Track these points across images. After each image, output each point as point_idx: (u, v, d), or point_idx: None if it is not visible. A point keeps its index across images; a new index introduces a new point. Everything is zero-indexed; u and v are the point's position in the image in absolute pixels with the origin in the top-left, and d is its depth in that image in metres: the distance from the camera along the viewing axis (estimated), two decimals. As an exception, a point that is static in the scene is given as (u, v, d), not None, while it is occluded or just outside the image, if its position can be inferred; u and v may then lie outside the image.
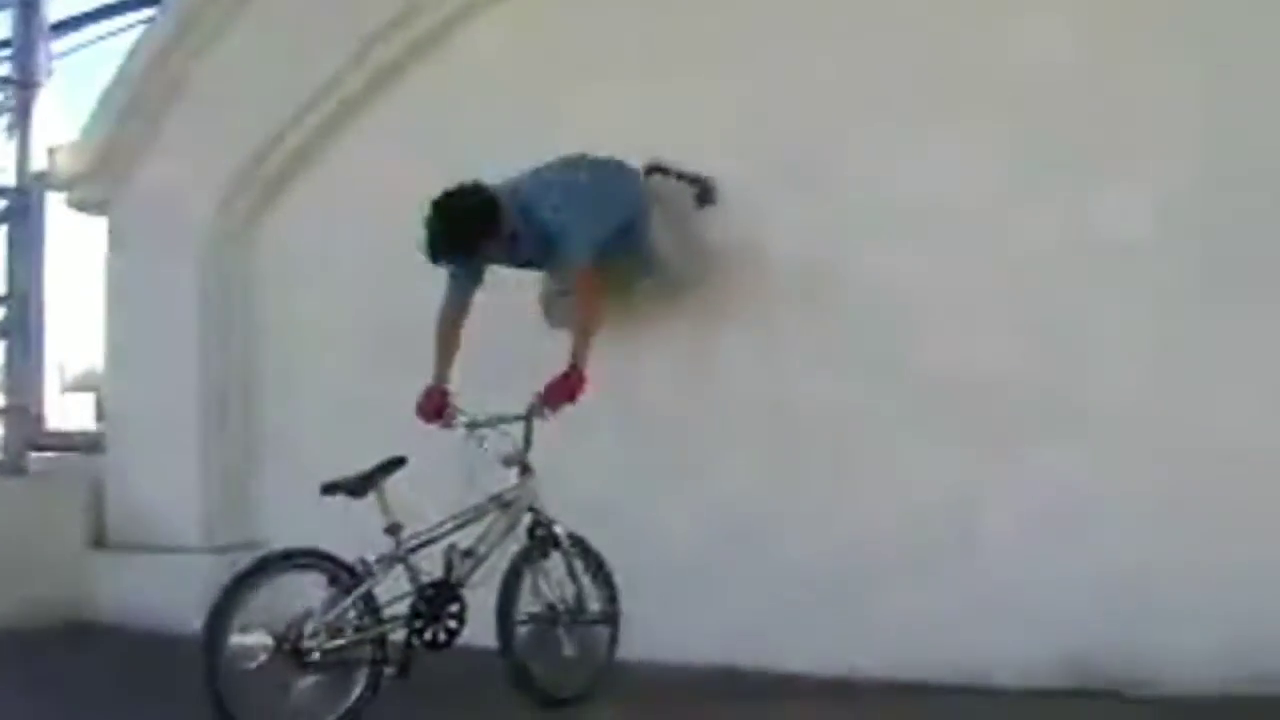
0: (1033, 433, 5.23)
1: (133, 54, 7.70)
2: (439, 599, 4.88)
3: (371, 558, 4.73)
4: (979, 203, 5.35)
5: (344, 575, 4.64)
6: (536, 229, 5.21)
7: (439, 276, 5.34)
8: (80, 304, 9.03)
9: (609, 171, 5.60)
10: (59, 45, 9.31)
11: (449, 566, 4.92)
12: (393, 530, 4.84)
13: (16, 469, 8.09)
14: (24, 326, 8.33)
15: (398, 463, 4.89)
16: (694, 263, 5.83)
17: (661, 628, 5.58)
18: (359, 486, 4.81)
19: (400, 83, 6.92)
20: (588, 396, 5.13)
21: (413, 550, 4.88)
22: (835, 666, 5.38)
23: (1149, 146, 5.11)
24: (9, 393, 8.41)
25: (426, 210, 5.08)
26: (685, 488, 5.91)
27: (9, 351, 8.38)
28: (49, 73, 8.66)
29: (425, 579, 4.88)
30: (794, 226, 5.75)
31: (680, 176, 5.88)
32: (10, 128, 8.55)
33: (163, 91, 7.51)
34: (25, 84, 8.51)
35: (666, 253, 5.70)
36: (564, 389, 5.05)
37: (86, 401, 14.67)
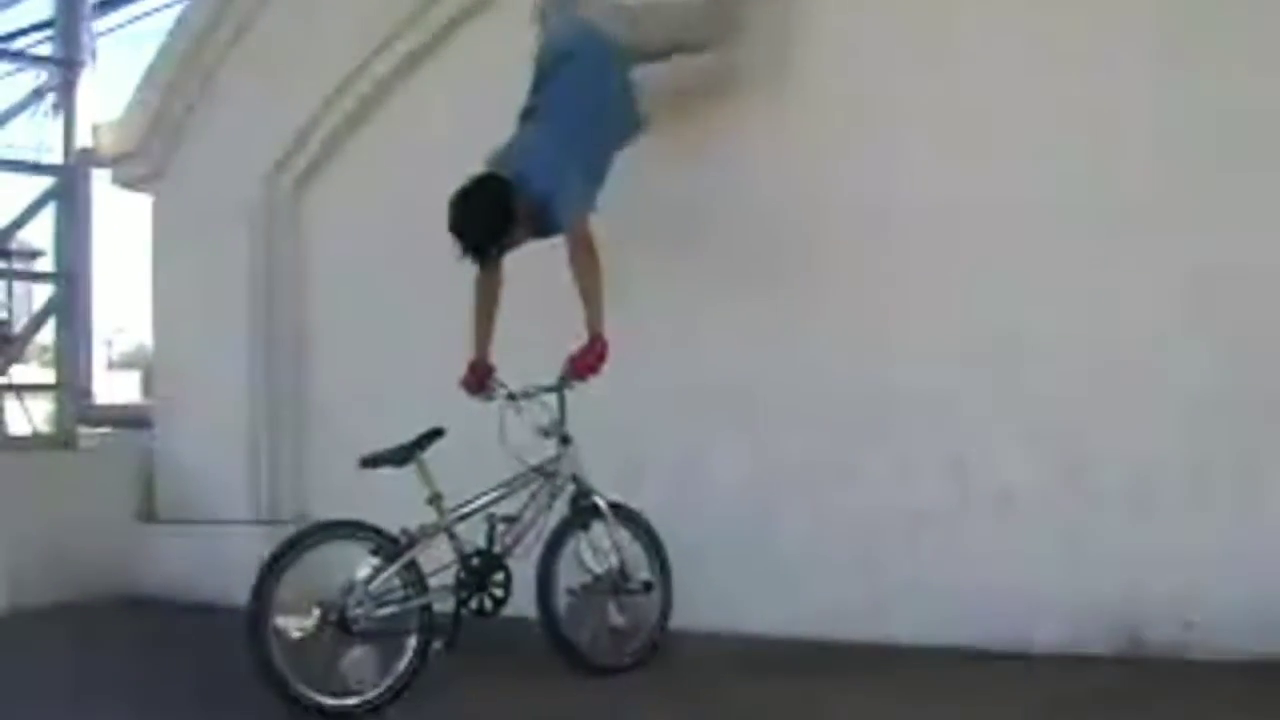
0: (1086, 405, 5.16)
1: (176, 28, 7.75)
2: (484, 568, 4.91)
3: (414, 527, 4.75)
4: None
5: (388, 545, 4.67)
6: (536, 200, 5.12)
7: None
8: (127, 281, 9.11)
9: (584, 82, 5.34)
10: (100, 24, 9.40)
11: (491, 535, 4.94)
12: (434, 500, 4.86)
13: (67, 444, 8.18)
14: (72, 304, 8.42)
15: (437, 433, 4.90)
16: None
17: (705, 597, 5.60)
18: (401, 457, 4.83)
19: (449, 44, 6.85)
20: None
21: (456, 521, 4.90)
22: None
23: None
24: (58, 368, 8.51)
25: (448, 211, 5.04)
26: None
27: (57, 328, 8.47)
28: (92, 52, 8.72)
29: (469, 549, 4.91)
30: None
31: None
32: (55, 107, 8.61)
33: (206, 66, 7.56)
34: (68, 63, 8.57)
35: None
36: (590, 359, 5.04)
37: (133, 378, 14.85)
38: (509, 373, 5.24)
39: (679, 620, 5.41)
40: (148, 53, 7.86)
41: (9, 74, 9.50)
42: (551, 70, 5.39)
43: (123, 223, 9.05)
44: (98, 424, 8.54)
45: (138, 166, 7.92)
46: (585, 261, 5.08)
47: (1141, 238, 4.93)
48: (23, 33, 9.54)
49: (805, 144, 5.68)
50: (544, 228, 5.19)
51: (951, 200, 5.30)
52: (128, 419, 8.57)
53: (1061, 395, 5.11)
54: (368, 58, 7.03)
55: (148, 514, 7.76)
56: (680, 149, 5.82)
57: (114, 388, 11.53)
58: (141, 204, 8.02)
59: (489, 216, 5.04)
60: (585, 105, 5.28)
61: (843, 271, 5.59)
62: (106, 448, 8.20)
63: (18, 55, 9.08)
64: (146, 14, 10.11)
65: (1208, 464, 4.80)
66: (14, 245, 9.29)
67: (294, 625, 4.36)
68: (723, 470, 5.83)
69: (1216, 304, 4.83)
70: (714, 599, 5.58)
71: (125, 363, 17.59)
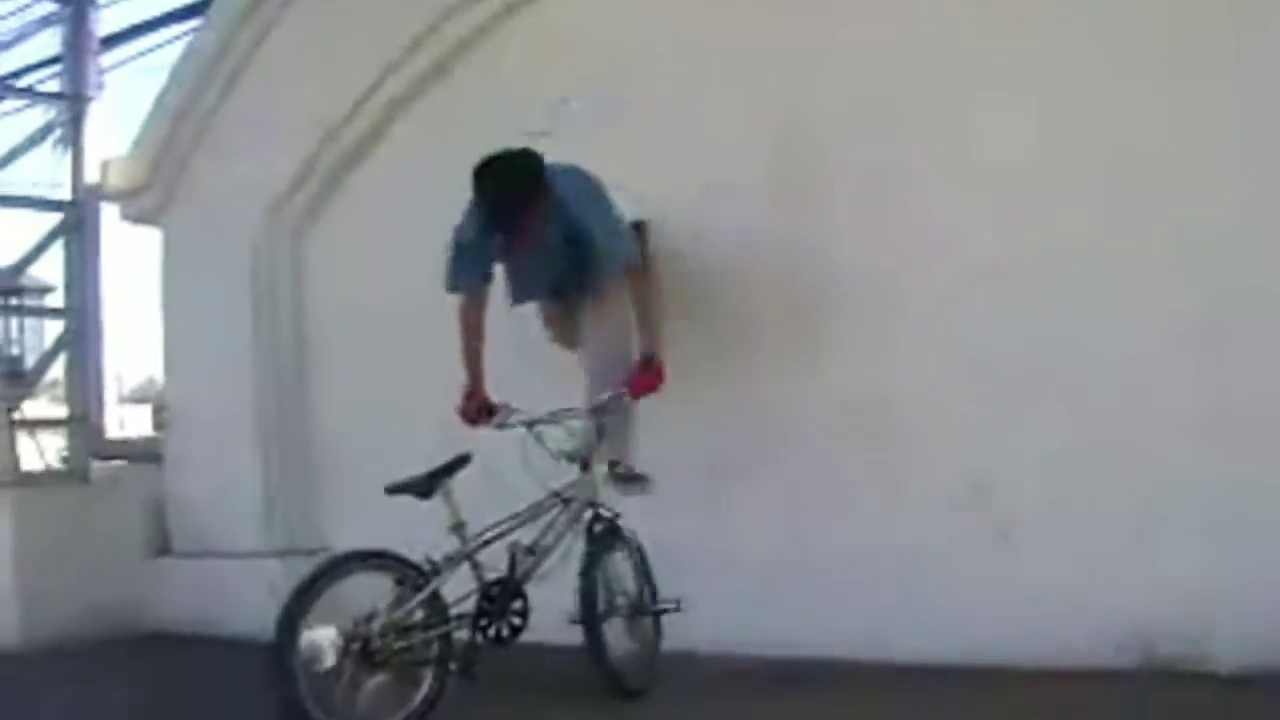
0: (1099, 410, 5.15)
1: (180, 64, 7.80)
2: (503, 595, 4.88)
3: (438, 556, 4.72)
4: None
5: (411, 574, 4.64)
6: (572, 224, 5.18)
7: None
8: (137, 316, 9.13)
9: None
10: (107, 59, 9.43)
11: (513, 563, 4.91)
12: (457, 528, 4.84)
13: (80, 478, 8.17)
14: (83, 338, 8.42)
15: (463, 461, 4.87)
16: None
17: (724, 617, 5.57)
18: (426, 486, 4.80)
19: (445, 82, 6.92)
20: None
21: (479, 548, 4.87)
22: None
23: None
24: (69, 403, 8.51)
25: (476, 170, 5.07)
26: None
27: (68, 363, 8.48)
28: (99, 86, 8.75)
29: (490, 576, 4.88)
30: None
31: None
32: (63, 142, 8.64)
33: (210, 103, 7.59)
34: (76, 98, 8.60)
35: None
36: (648, 379, 5.17)
37: (144, 412, 14.84)
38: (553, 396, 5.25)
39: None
40: (153, 89, 7.88)
41: (17, 110, 9.54)
42: None
43: (133, 257, 9.05)
44: (110, 458, 8.53)
45: (145, 201, 7.94)
46: (643, 290, 5.29)
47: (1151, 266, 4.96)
48: (30, 69, 9.56)
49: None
50: (569, 262, 5.28)
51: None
52: (139, 453, 8.57)
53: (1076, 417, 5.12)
54: (369, 89, 7.07)
55: (161, 547, 7.75)
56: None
57: (125, 421, 11.53)
58: (151, 238, 8.04)
59: (517, 177, 5.07)
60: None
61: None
62: (119, 482, 8.17)
63: (25, 91, 9.10)
64: (158, 46, 10.10)
65: (1219, 485, 4.78)
66: (25, 281, 9.28)
67: (319, 656, 4.33)
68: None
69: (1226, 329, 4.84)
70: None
71: (136, 396, 17.56)
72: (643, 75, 6.17)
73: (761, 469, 5.80)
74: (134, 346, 9.08)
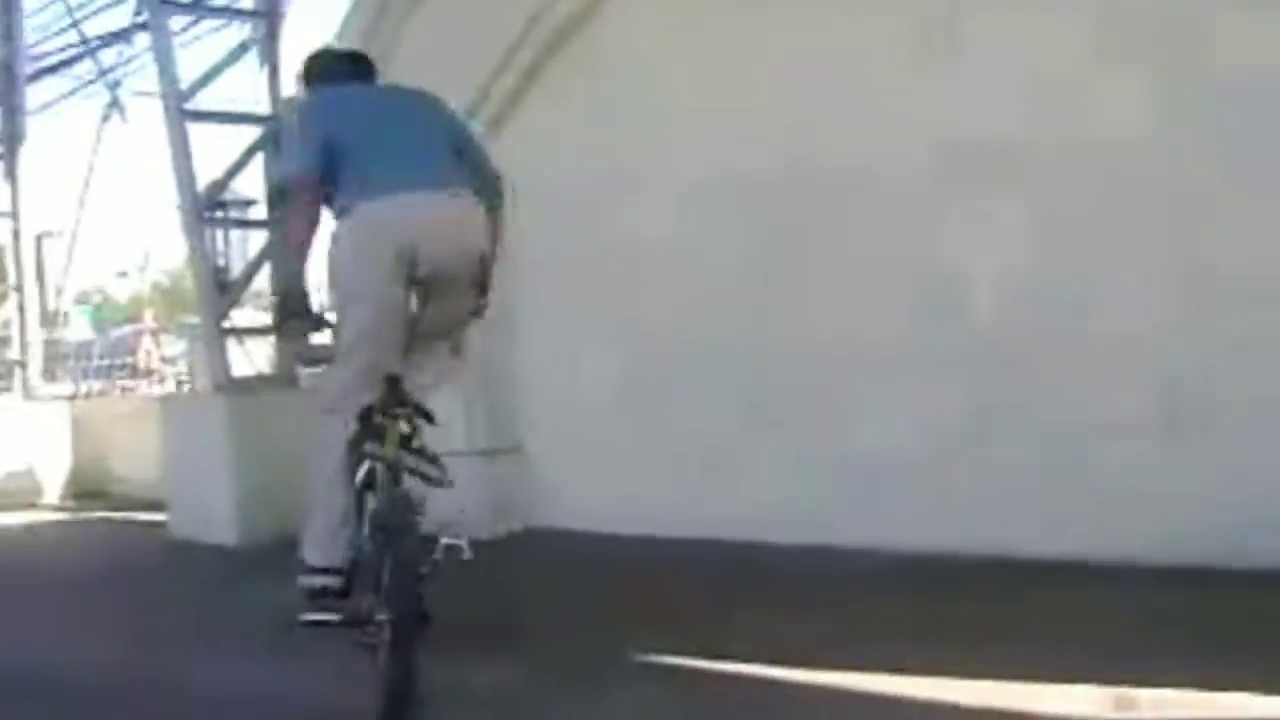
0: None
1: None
2: None
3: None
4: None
5: None
6: None
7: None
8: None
9: None
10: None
11: None
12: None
13: (287, 383, 8.48)
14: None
15: None
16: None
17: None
18: None
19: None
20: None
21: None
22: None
23: None
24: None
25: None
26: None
27: (272, 273, 8.75)
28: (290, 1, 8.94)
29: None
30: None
31: None
32: (259, 57, 8.86)
33: (401, 8, 7.66)
34: (270, 14, 8.81)
35: None
36: None
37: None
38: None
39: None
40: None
41: (215, 29, 9.83)
42: None
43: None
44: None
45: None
46: None
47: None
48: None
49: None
50: None
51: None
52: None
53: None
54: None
55: (363, 449, 7.97)
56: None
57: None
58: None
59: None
60: None
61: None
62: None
63: (221, 10, 9.35)
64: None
65: None
66: (228, 195, 9.61)
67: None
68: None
69: None
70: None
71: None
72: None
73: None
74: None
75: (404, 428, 3.97)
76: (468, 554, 3.75)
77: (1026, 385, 5.61)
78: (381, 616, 3.61)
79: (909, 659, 4.01)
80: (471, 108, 7.19)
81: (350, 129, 4.30)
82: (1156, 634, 4.22)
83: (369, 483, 3.96)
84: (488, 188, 4.40)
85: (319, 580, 4.18)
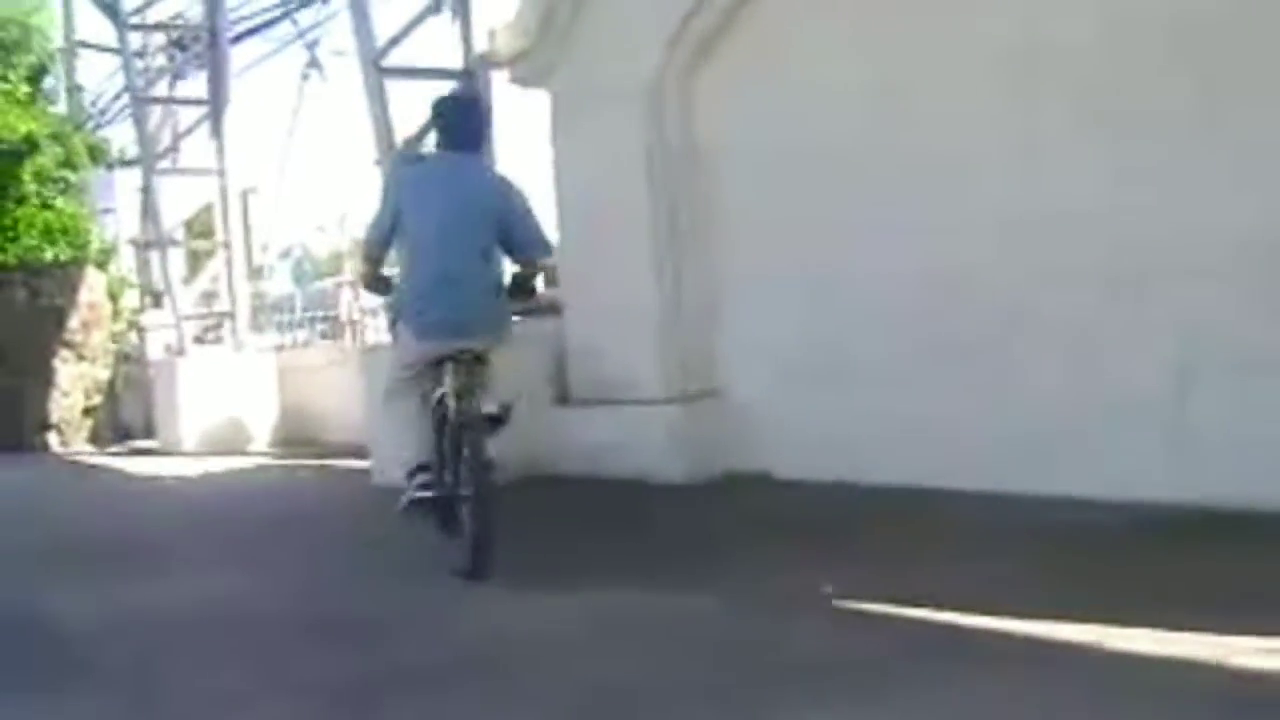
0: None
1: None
2: None
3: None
4: None
5: None
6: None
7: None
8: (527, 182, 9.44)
9: None
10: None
11: None
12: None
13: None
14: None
15: None
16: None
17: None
18: None
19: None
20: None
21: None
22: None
23: None
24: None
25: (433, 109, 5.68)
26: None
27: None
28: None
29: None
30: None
31: None
32: (452, 13, 9.00)
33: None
34: (464, -30, 8.93)
35: None
36: None
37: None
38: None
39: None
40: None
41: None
42: None
43: (522, 125, 9.41)
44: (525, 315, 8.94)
45: (533, 63, 8.17)
46: None
47: None
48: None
49: None
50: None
51: None
52: (538, 306, 8.93)
53: None
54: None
55: (561, 397, 8.12)
56: None
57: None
58: (538, 102, 8.29)
59: (474, 114, 5.81)
60: None
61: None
62: (520, 335, 8.55)
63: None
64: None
65: None
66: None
67: None
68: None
69: None
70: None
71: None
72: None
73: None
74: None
75: (463, 375, 5.23)
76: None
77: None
78: (465, 492, 5.06)
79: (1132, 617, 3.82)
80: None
81: (414, 213, 5.35)
82: None
83: (440, 402, 5.28)
84: (535, 250, 5.61)
85: (419, 475, 5.32)
